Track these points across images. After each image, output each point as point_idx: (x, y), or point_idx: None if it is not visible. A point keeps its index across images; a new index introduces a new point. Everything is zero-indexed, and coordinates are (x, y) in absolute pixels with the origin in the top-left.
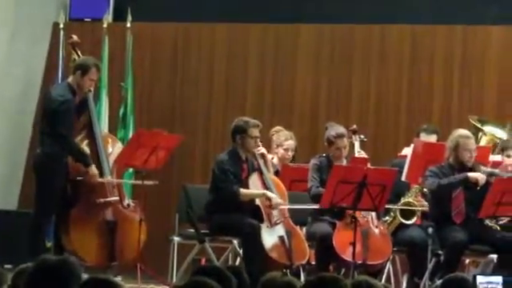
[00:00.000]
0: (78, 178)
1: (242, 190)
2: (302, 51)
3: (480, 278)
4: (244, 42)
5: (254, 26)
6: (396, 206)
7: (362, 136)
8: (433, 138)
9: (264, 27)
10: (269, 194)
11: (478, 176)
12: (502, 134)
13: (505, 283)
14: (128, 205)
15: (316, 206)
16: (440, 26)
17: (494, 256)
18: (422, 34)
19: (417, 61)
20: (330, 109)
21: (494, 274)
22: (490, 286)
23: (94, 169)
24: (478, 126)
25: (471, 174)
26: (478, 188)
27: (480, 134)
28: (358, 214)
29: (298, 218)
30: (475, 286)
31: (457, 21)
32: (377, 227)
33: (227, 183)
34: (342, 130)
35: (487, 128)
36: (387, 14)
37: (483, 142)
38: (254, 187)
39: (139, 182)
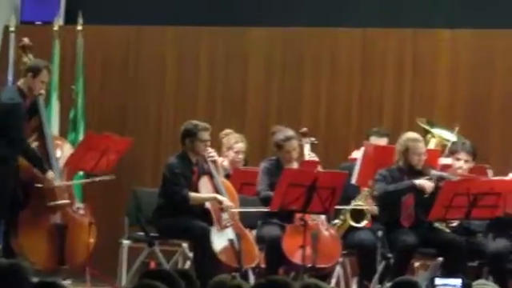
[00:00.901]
0: (37, 185)
1: (193, 194)
2: (254, 54)
3: (438, 281)
4: (195, 45)
5: (205, 29)
6: (346, 207)
7: (313, 138)
8: (383, 141)
9: (214, 30)
10: (219, 197)
11: (425, 184)
12: (450, 136)
13: (464, 286)
14: (78, 208)
15: (266, 209)
16: (391, 29)
17: (439, 259)
18: (373, 38)
19: (368, 64)
20: (281, 112)
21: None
22: (449, 286)
23: (50, 174)
24: (427, 128)
25: (418, 182)
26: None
27: (429, 136)
28: (307, 217)
29: (248, 221)
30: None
31: (407, 24)
32: (327, 230)
33: (178, 187)
34: (290, 133)
35: (436, 130)
36: (338, 17)
37: (432, 144)
38: (204, 190)
39: (93, 179)
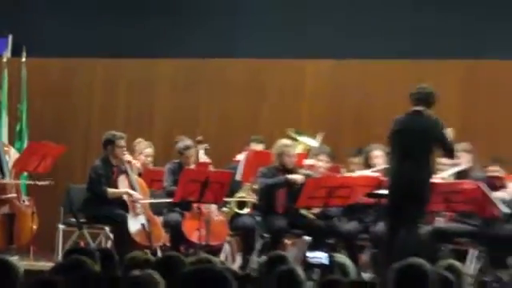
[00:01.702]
0: None
1: (110, 190)
2: (161, 80)
3: (310, 254)
4: (116, 74)
5: (124, 61)
6: (232, 199)
7: (206, 144)
8: (260, 147)
9: (134, 62)
10: (130, 191)
11: (297, 177)
12: (313, 142)
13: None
14: (23, 201)
15: (170, 200)
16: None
17: (308, 238)
18: (259, 68)
19: (254, 88)
20: (182, 125)
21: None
22: (316, 259)
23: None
24: (295, 136)
25: (290, 177)
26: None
27: (297, 143)
28: (202, 206)
29: (156, 209)
30: (306, 260)
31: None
32: (217, 216)
33: (99, 184)
34: (188, 142)
35: (302, 138)
36: (229, 48)
37: (299, 149)
38: (122, 186)
39: (35, 182)
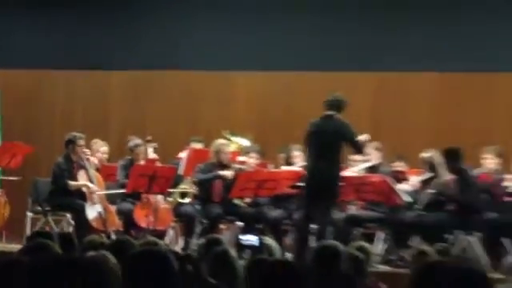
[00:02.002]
0: None
1: (71, 182)
2: (115, 89)
3: (242, 237)
4: (72, 85)
5: (80, 73)
6: (176, 190)
7: (155, 144)
8: (199, 146)
9: (90, 73)
10: (88, 184)
11: (227, 173)
12: (245, 142)
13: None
14: None
15: (123, 191)
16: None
17: (240, 223)
18: (198, 78)
19: (190, 97)
20: (133, 127)
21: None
22: (247, 242)
23: None
24: (229, 137)
25: (222, 173)
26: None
27: (230, 142)
28: (150, 196)
29: (111, 199)
30: (238, 242)
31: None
32: (163, 205)
33: (62, 178)
34: (138, 141)
35: (235, 139)
36: (173, 61)
37: (232, 148)
38: (81, 179)
39: (7, 178)
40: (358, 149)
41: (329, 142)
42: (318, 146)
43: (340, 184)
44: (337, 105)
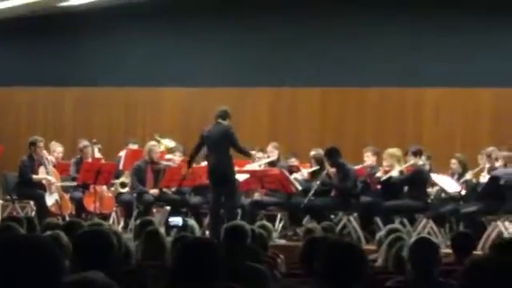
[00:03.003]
0: None
1: (34, 176)
2: (68, 103)
3: (171, 219)
4: (34, 98)
5: (41, 89)
6: (117, 181)
7: (99, 145)
8: (135, 146)
9: (48, 89)
10: (48, 177)
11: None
12: (171, 143)
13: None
14: None
15: (75, 183)
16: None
17: (168, 208)
18: (134, 92)
19: (127, 107)
20: (82, 133)
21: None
22: (174, 222)
23: None
24: (159, 139)
25: (155, 167)
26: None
27: (160, 143)
28: (97, 187)
29: (65, 189)
30: (167, 223)
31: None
32: (107, 193)
33: (26, 173)
34: (86, 143)
35: (164, 140)
36: (110, 78)
37: (162, 148)
38: (41, 173)
39: None
40: (239, 151)
41: (218, 142)
42: (211, 145)
43: (235, 174)
44: (222, 115)
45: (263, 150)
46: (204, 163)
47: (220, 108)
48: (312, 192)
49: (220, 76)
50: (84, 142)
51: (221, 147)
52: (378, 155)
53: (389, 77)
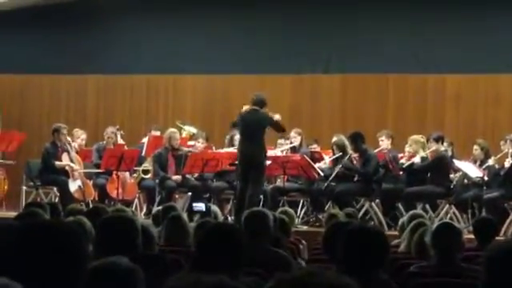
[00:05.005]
0: None
1: (57, 163)
2: (91, 91)
3: (194, 204)
4: (56, 86)
5: (65, 77)
6: (139, 168)
7: (122, 132)
8: (158, 133)
9: (71, 77)
10: (71, 164)
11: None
12: (194, 130)
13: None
14: None
15: (98, 170)
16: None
17: (189, 193)
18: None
19: (146, 94)
20: (105, 120)
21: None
22: (197, 208)
23: None
24: (181, 126)
25: (176, 154)
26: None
27: (182, 130)
28: (119, 173)
29: (88, 175)
30: (190, 208)
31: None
32: (129, 179)
33: (49, 159)
34: (112, 129)
35: (186, 127)
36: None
37: (184, 134)
38: (65, 160)
39: (5, 162)
40: (279, 129)
41: (254, 129)
42: (245, 131)
43: (266, 161)
44: (259, 102)
45: (285, 137)
46: (228, 149)
47: (257, 95)
48: (333, 175)
49: (241, 63)
50: (109, 129)
51: (256, 134)
52: (393, 139)
53: (409, 63)
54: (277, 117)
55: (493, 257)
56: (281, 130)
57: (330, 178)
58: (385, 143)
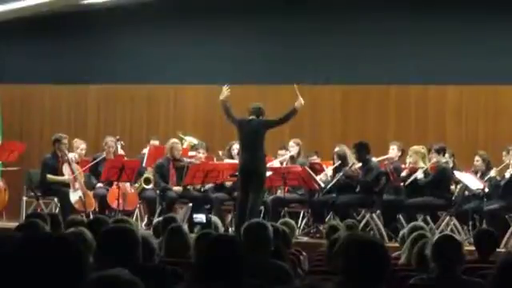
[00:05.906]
0: None
1: (49, 176)
2: (91, 101)
3: (195, 215)
4: (57, 96)
5: (66, 87)
6: (141, 178)
7: (122, 142)
8: (157, 143)
9: (72, 87)
10: (65, 179)
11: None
12: (194, 141)
13: (206, 218)
14: None
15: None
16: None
17: (191, 204)
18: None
19: (146, 104)
20: (106, 131)
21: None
22: (198, 219)
23: None
24: (182, 136)
25: (177, 164)
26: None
27: (183, 141)
28: (120, 183)
29: (89, 186)
30: (190, 219)
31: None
32: (130, 190)
33: (43, 172)
34: (110, 138)
35: (187, 138)
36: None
37: (185, 145)
38: (65, 170)
39: (7, 169)
40: (284, 120)
41: (252, 139)
42: (245, 142)
43: (266, 172)
44: (256, 112)
45: (285, 148)
46: (228, 160)
47: (254, 105)
48: (334, 182)
49: (242, 74)
50: (107, 138)
51: (255, 144)
52: (403, 152)
53: (410, 74)
54: (297, 103)
55: (502, 269)
56: (284, 120)
57: (330, 185)
58: (393, 153)
